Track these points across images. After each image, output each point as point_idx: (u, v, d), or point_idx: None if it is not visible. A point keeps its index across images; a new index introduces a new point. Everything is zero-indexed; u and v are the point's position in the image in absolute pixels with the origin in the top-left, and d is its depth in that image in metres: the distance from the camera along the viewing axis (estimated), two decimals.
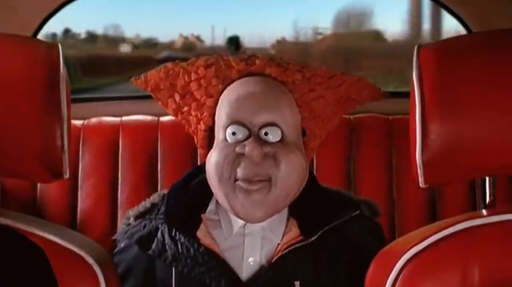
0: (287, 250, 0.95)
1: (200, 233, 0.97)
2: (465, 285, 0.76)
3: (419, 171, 0.79)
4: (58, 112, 0.79)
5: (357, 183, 1.53)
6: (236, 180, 0.91)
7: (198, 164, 1.46)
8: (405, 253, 0.79)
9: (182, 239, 0.96)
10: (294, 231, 0.97)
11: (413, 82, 0.79)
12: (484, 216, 0.80)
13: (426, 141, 0.77)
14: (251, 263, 0.96)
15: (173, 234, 0.97)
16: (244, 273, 0.95)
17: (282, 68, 0.96)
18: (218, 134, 0.95)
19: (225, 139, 0.93)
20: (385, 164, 1.53)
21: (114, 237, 1.05)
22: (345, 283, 0.97)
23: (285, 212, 0.99)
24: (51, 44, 0.82)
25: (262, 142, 0.91)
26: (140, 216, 1.04)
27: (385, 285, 0.79)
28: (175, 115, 1.02)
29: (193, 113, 0.99)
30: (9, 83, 0.77)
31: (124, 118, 1.60)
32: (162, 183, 1.52)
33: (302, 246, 0.95)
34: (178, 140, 1.53)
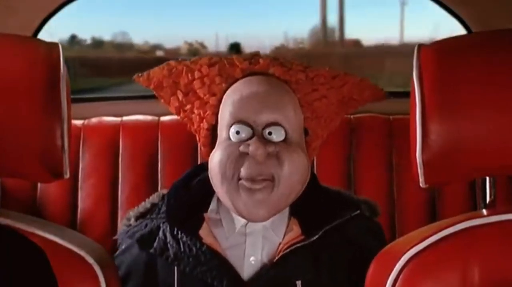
0: (288, 250, 0.95)
1: (203, 232, 0.97)
2: (465, 285, 0.76)
3: (419, 171, 0.79)
4: (58, 112, 0.79)
5: (357, 183, 1.52)
6: (239, 179, 0.91)
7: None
8: (405, 253, 0.79)
9: (184, 238, 0.96)
10: (295, 230, 0.97)
11: (413, 82, 0.79)
12: (484, 216, 0.80)
13: (426, 141, 0.77)
14: (253, 262, 0.96)
15: (175, 232, 0.97)
16: (246, 272, 0.95)
17: (285, 68, 0.96)
18: (221, 133, 0.95)
19: (229, 138, 0.93)
20: (385, 164, 1.53)
21: (115, 237, 1.05)
22: (345, 283, 0.97)
23: (286, 211, 0.99)
24: (51, 44, 0.82)
25: (265, 141, 0.91)
26: (140, 216, 1.04)
27: (385, 285, 0.79)
28: (178, 113, 1.01)
29: (195, 111, 0.99)
30: (9, 83, 0.77)
31: (125, 118, 1.60)
32: (162, 183, 1.52)
33: (303, 246, 0.95)
34: (178, 140, 1.52)
